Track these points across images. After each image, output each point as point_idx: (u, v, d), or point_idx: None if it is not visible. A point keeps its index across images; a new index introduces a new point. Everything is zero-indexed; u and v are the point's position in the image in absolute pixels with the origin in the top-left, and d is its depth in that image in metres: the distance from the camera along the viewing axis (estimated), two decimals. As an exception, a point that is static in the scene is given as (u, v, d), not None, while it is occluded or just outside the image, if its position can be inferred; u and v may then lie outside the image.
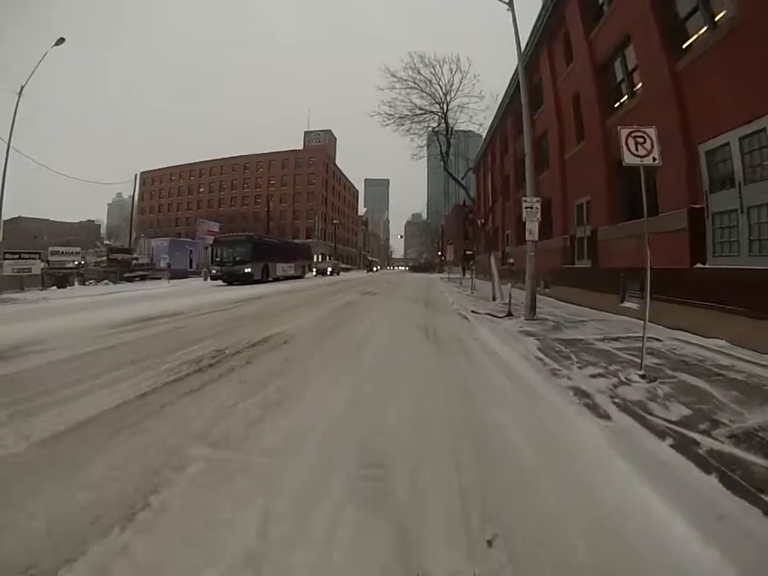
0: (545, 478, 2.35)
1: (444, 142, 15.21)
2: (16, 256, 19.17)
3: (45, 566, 1.60)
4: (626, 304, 9.22)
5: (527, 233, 8.21)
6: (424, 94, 14.81)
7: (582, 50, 13.06)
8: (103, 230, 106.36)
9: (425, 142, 16.50)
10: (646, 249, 4.33)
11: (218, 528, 1.86)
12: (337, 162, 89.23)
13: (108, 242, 66.34)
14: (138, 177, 38.50)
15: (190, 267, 35.99)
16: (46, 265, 21.83)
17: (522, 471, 2.41)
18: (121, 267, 27.72)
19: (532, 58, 16.58)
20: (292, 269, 30.85)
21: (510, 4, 9.51)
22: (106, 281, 25.29)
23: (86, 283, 23.89)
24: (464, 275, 29.75)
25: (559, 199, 14.72)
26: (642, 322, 8.09)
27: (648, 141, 4.39)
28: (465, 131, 17.49)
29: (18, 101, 20.78)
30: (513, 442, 2.77)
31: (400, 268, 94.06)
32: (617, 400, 3.49)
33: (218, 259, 24.05)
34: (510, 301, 9.05)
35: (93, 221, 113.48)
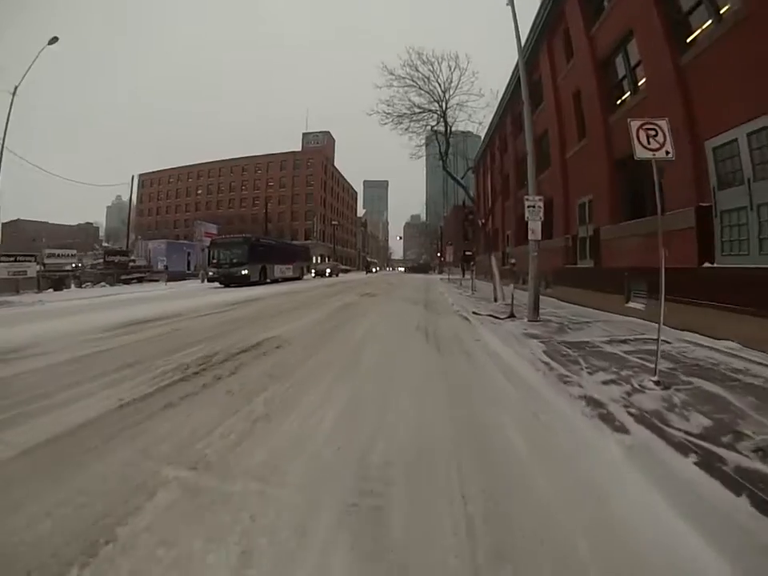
0: (561, 507, 2.10)
1: (443, 141, 14.96)
2: (11, 258, 18.92)
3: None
4: (631, 304, 8.99)
5: (530, 232, 7.97)
6: (422, 92, 14.59)
7: (582, 45, 12.83)
8: (102, 233, 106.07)
9: (423, 141, 16.27)
10: (660, 248, 4.06)
11: (187, 571, 1.62)
12: (335, 164, 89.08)
13: (107, 245, 66.04)
14: (137, 179, 38.36)
15: (188, 269, 35.71)
16: (42, 267, 21.54)
17: (535, 498, 2.16)
18: (117, 269, 27.52)
19: (531, 56, 16.34)
20: (290, 270, 30.54)
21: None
22: (102, 283, 25.11)
23: (83, 286, 23.71)
24: (464, 276, 29.55)
25: (561, 198, 14.48)
26: (647, 323, 8.04)
27: (660, 133, 4.15)
28: (464, 132, 17.23)
29: (12, 101, 20.53)
30: (524, 463, 2.51)
31: (400, 269, 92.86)
32: (632, 410, 3.26)
33: (214, 261, 23.76)
34: (512, 302, 8.80)
35: (91, 223, 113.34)
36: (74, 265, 25.85)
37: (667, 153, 4.13)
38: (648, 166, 9.73)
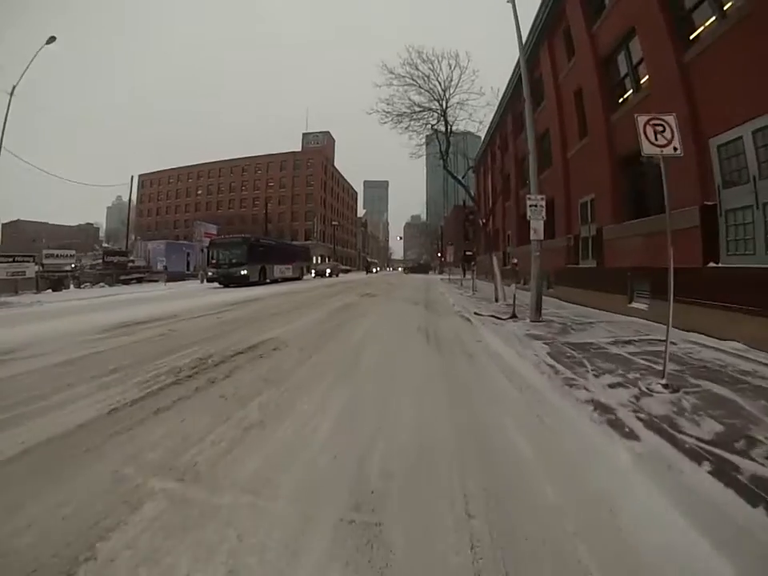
0: (571, 519, 1.98)
1: (443, 140, 14.83)
2: (10, 259, 18.82)
3: None
4: (634, 305, 8.86)
5: (532, 232, 7.85)
6: (422, 91, 14.45)
7: (583, 44, 12.71)
8: (102, 233, 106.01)
9: (423, 140, 16.14)
10: (668, 246, 3.93)
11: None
12: (336, 164, 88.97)
13: (106, 245, 65.94)
14: (137, 179, 38.21)
15: (187, 270, 35.54)
16: (41, 268, 21.43)
17: (543, 510, 2.04)
18: (116, 270, 27.40)
19: (532, 54, 16.19)
20: (290, 271, 30.37)
21: (511, -6, 9.17)
22: (101, 284, 25.00)
23: (82, 286, 23.62)
24: (464, 276, 29.40)
25: (562, 198, 14.34)
26: (651, 324, 7.92)
27: (668, 129, 4.02)
28: (464, 132, 17.08)
29: (9, 101, 20.41)
30: (531, 473, 2.38)
31: (400, 269, 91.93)
32: (642, 415, 3.14)
33: (213, 261, 23.61)
34: (514, 302, 8.68)
35: (92, 224, 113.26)
36: (72, 265, 25.78)
37: (675, 149, 4.00)
38: (651, 164, 9.63)
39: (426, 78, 14.19)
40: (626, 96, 11.14)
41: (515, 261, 9.54)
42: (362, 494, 2.13)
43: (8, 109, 20.49)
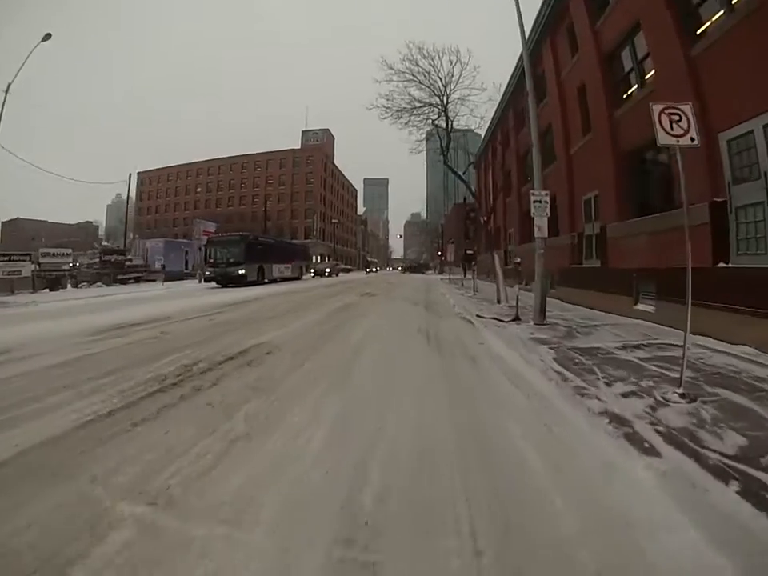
0: (592, 550, 1.74)
1: (444, 136, 14.57)
2: (6, 258, 18.70)
3: None
4: (640, 307, 8.61)
5: (536, 229, 7.59)
6: (423, 87, 14.17)
7: (587, 40, 12.51)
8: (102, 232, 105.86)
9: (423, 135, 15.88)
10: (686, 243, 3.72)
11: None
12: (335, 161, 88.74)
13: (106, 244, 65.73)
14: (136, 177, 38.00)
15: (186, 268, 35.29)
16: (38, 267, 21.22)
17: (560, 538, 1.81)
18: (114, 269, 27.17)
19: (534, 51, 15.96)
20: (289, 270, 30.09)
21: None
22: (99, 283, 24.79)
23: (79, 286, 23.47)
24: (465, 276, 29.14)
25: (565, 195, 14.10)
26: (657, 326, 7.66)
27: (684, 119, 3.79)
28: (464, 130, 16.82)
29: (5, 98, 20.14)
30: (544, 495, 2.13)
31: (399, 269, 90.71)
32: (660, 428, 2.90)
33: (211, 260, 23.33)
34: (517, 303, 8.44)
35: (91, 222, 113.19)
36: (70, 264, 25.59)
37: (692, 139, 3.76)
38: (655, 161, 9.41)
39: (426, 74, 13.93)
40: (630, 92, 10.94)
41: (518, 260, 9.28)
42: (354, 526, 1.88)
43: (3, 106, 20.27)
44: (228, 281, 22.21)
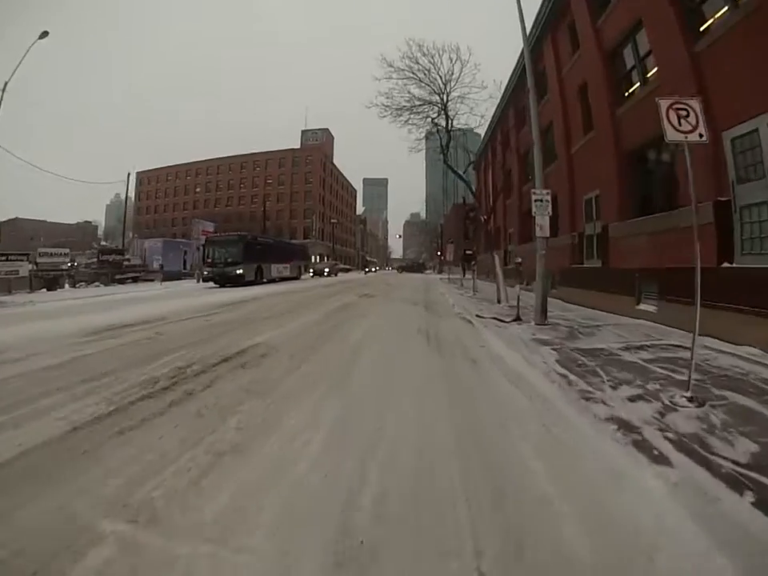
0: (603, 569, 1.64)
1: (444, 134, 14.46)
2: (3, 258, 18.55)
3: None
4: (642, 307, 8.51)
5: (537, 228, 7.48)
6: (423, 84, 14.07)
7: (588, 37, 12.36)
8: (101, 232, 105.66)
9: (423, 134, 15.78)
10: (695, 242, 3.62)
11: None
12: (335, 161, 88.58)
13: (104, 243, 65.57)
14: (134, 176, 37.78)
15: (184, 268, 35.11)
16: (35, 267, 21.10)
17: (568, 553, 1.69)
18: (112, 269, 27.02)
19: (535, 49, 15.80)
20: (287, 270, 29.91)
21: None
22: (96, 283, 24.66)
23: (77, 285, 23.32)
24: (464, 276, 29.02)
25: (566, 194, 13.95)
26: (660, 327, 7.55)
27: (692, 114, 3.68)
28: (463, 130, 16.71)
29: (1, 97, 19.98)
30: (550, 506, 2.02)
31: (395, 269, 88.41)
32: (669, 434, 2.80)
33: (209, 260, 23.13)
34: (518, 304, 8.32)
35: (90, 222, 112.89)
36: (69, 264, 25.46)
37: (701, 136, 3.66)
38: (658, 160, 9.29)
39: (426, 72, 13.83)
40: (632, 90, 10.81)
41: (519, 260, 9.17)
42: (347, 546, 1.76)
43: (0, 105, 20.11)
44: (226, 280, 22.04)
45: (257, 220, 59.05)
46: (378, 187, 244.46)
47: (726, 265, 7.22)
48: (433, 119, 14.74)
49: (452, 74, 13.83)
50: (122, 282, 26.23)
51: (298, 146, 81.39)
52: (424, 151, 17.67)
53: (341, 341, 6.21)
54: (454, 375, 4.40)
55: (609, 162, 11.05)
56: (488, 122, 20.58)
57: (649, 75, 9.96)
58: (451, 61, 13.73)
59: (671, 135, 3.63)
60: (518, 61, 19.16)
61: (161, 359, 4.91)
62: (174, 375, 4.14)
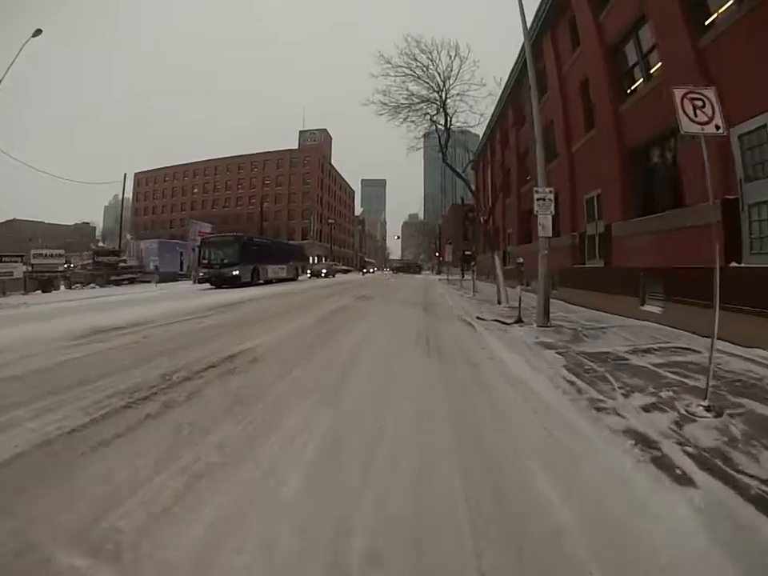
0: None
1: (443, 133, 14.23)
2: (-2, 259, 18.39)
3: None
4: (647, 308, 8.29)
5: (539, 228, 7.24)
6: (421, 81, 13.85)
7: (590, 33, 12.17)
8: (99, 233, 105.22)
9: (422, 132, 15.58)
10: (714, 241, 3.41)
11: None
12: (333, 162, 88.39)
13: (102, 245, 65.30)
14: (133, 177, 37.40)
15: (181, 270, 34.83)
16: (30, 268, 20.89)
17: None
18: (107, 270, 26.75)
19: (535, 44, 15.57)
20: (284, 271, 29.64)
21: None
22: (92, 284, 24.42)
23: (73, 287, 23.12)
24: (463, 276, 28.84)
25: (567, 193, 13.70)
26: (665, 328, 7.32)
27: (708, 104, 3.46)
28: (462, 130, 16.48)
29: (-5, 96, 19.72)
30: (573, 545, 1.76)
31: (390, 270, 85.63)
32: (689, 449, 2.57)
33: (205, 261, 22.87)
34: (519, 305, 8.10)
35: (88, 223, 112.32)
36: (65, 265, 25.23)
37: (717, 127, 3.44)
38: (662, 157, 9.07)
39: (424, 68, 13.61)
40: (634, 87, 10.61)
41: (521, 260, 8.95)
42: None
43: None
44: (222, 282, 21.78)
45: (255, 221, 58.78)
46: (376, 188, 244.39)
47: (734, 265, 7.00)
48: (431, 117, 14.53)
49: (451, 70, 13.64)
50: (117, 283, 25.94)
51: (296, 147, 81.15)
52: (422, 151, 17.48)
53: (332, 351, 5.79)
54: (456, 384, 4.14)
55: (611, 160, 10.84)
56: (487, 121, 20.39)
57: (652, 71, 9.76)
58: (450, 57, 13.54)
59: (686, 126, 3.40)
60: (517, 59, 18.97)
61: (146, 364, 4.68)
62: (155, 384, 3.88)
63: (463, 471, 2.36)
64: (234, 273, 21.76)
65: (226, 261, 22.09)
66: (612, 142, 10.82)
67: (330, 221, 75.03)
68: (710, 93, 3.49)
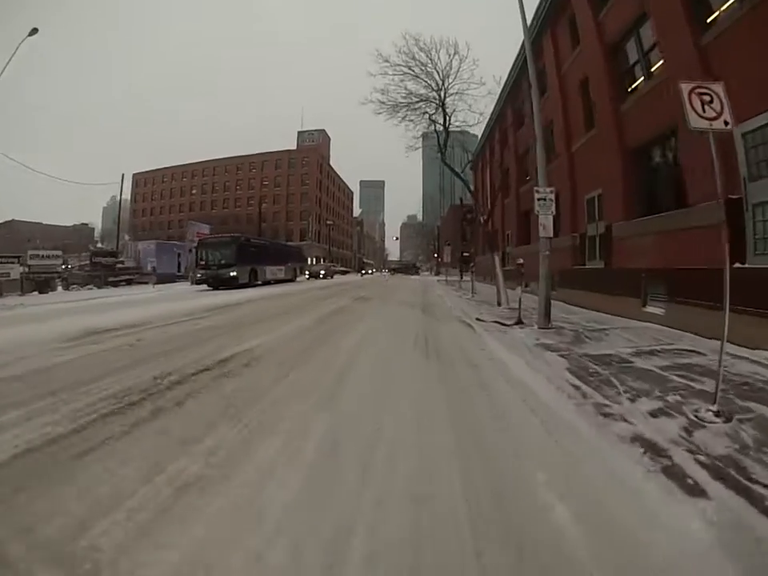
0: None
1: (442, 132, 14.11)
2: (-7, 260, 18.33)
3: None
4: (648, 309, 8.19)
5: (540, 228, 7.13)
6: (420, 80, 13.72)
7: (590, 32, 12.08)
8: (98, 234, 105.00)
9: (420, 132, 15.46)
10: (724, 242, 3.28)
11: None
12: (331, 163, 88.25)
13: (100, 246, 65.12)
14: (131, 178, 37.38)
15: (178, 271, 34.65)
16: (27, 269, 20.79)
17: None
18: (105, 271, 26.61)
19: (534, 42, 15.46)
20: (282, 272, 29.47)
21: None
22: (89, 285, 24.30)
23: (70, 288, 23.00)
24: (462, 278, 28.76)
25: (567, 193, 13.58)
26: (668, 330, 7.21)
27: (716, 100, 3.36)
28: (462, 130, 16.36)
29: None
30: (582, 565, 1.66)
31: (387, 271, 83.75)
32: (701, 457, 2.45)
33: (202, 262, 22.72)
34: (519, 306, 7.99)
35: (86, 224, 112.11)
36: (63, 266, 25.11)
37: (726, 123, 3.34)
38: (663, 157, 8.97)
39: (423, 66, 13.48)
40: (635, 85, 10.51)
41: (521, 261, 8.82)
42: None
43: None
44: (219, 283, 21.60)
45: (253, 222, 58.63)
46: (374, 189, 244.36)
47: (737, 265, 6.89)
48: (430, 116, 14.40)
49: (450, 68, 13.52)
50: (115, 284, 25.81)
51: (295, 147, 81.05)
52: (421, 152, 17.37)
53: (331, 350, 5.73)
54: (457, 389, 3.99)
55: (612, 160, 10.74)
56: (486, 121, 20.31)
57: (653, 69, 9.66)
58: (449, 56, 13.42)
59: (695, 122, 3.30)
60: (516, 58, 18.88)
61: (139, 367, 4.55)
62: (146, 388, 3.74)
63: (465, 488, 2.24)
64: (231, 274, 21.60)
65: (223, 262, 21.94)
66: (613, 142, 10.71)
67: (328, 222, 74.90)
68: (719, 88, 3.39)
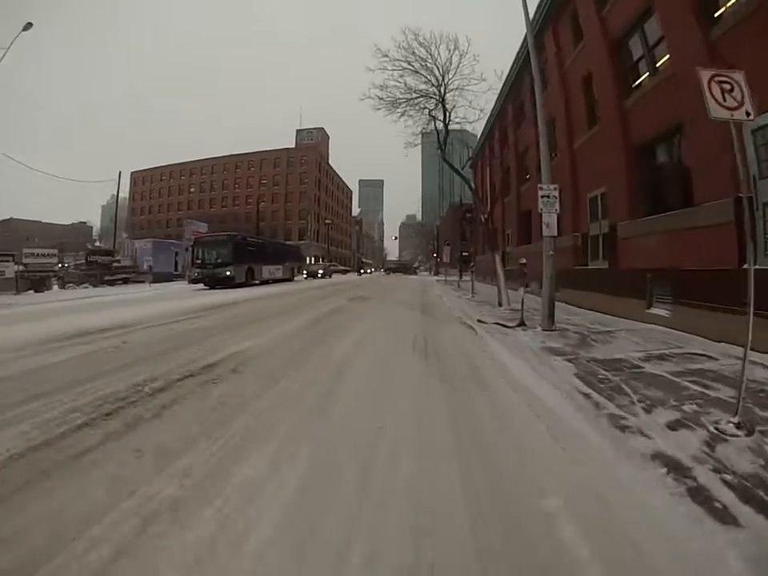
0: None
1: (442, 129, 13.88)
2: (-13, 259, 18.11)
3: None
4: (654, 310, 7.98)
5: (544, 227, 6.90)
6: (419, 75, 13.46)
7: (593, 27, 11.83)
8: (96, 232, 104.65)
9: (420, 128, 15.20)
10: (747, 242, 3.08)
11: None
12: (330, 162, 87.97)
13: (98, 244, 64.87)
14: (129, 176, 37.02)
15: (175, 270, 34.40)
16: (23, 267, 20.58)
17: None
18: (101, 270, 26.38)
19: (536, 38, 15.32)
20: (280, 271, 29.17)
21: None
22: (85, 284, 24.09)
23: (67, 287, 22.82)
24: (461, 278, 28.56)
25: (569, 192, 13.24)
26: (674, 332, 6.99)
27: (737, 89, 3.13)
28: (461, 129, 16.12)
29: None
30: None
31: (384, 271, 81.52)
32: (727, 476, 2.23)
33: (198, 261, 22.41)
34: (522, 307, 7.77)
35: (85, 222, 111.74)
36: (59, 265, 24.87)
37: (748, 114, 3.13)
38: (670, 154, 8.74)
39: (422, 61, 13.24)
40: (639, 81, 10.28)
41: (524, 261, 8.59)
42: None
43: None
44: (216, 282, 21.32)
45: (252, 221, 58.33)
46: (373, 188, 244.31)
47: (746, 266, 6.69)
48: (430, 112, 14.16)
49: (450, 64, 13.28)
50: (111, 283, 25.59)
51: (293, 146, 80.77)
52: (420, 150, 17.14)
53: (322, 358, 5.28)
54: (459, 398, 3.74)
55: (616, 158, 10.50)
56: (486, 119, 20.07)
57: (658, 65, 9.43)
58: (449, 51, 13.18)
59: (715, 111, 3.08)
60: (517, 54, 18.62)
61: (124, 371, 4.34)
62: (126, 396, 3.50)
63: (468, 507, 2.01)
64: (228, 273, 21.31)
65: (219, 261, 21.67)
66: (617, 139, 10.48)
67: (327, 221, 74.50)
68: (739, 76, 3.17)
